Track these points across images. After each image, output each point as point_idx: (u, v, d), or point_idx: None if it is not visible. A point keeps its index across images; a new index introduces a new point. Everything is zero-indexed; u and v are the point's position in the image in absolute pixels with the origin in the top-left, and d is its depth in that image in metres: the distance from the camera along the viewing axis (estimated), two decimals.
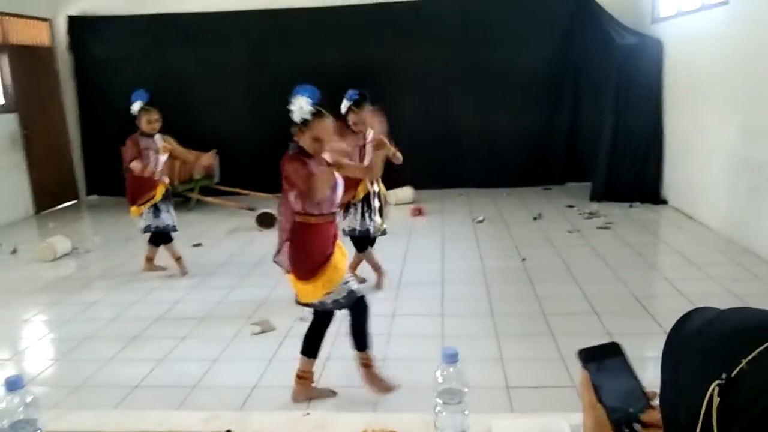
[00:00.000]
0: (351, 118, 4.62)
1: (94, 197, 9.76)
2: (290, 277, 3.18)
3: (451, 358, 1.25)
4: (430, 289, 4.93)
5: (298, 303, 3.26)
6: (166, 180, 5.64)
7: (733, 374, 0.62)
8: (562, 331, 3.98)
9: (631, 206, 7.47)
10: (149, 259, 5.76)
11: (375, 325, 4.23)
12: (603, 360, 0.89)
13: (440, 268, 5.49)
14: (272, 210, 6.72)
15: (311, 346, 3.32)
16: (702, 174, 6.50)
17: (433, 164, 8.88)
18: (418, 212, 7.66)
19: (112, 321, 4.61)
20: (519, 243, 6.11)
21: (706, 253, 5.55)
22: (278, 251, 3.16)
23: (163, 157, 5.54)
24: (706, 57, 6.30)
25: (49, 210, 8.95)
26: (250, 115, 8.95)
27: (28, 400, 1.28)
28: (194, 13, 9.05)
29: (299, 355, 3.33)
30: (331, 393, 3.36)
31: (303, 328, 4.25)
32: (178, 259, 5.64)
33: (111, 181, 9.24)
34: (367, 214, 4.78)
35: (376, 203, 4.80)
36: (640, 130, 7.59)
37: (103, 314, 4.77)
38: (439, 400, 1.24)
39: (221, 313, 4.67)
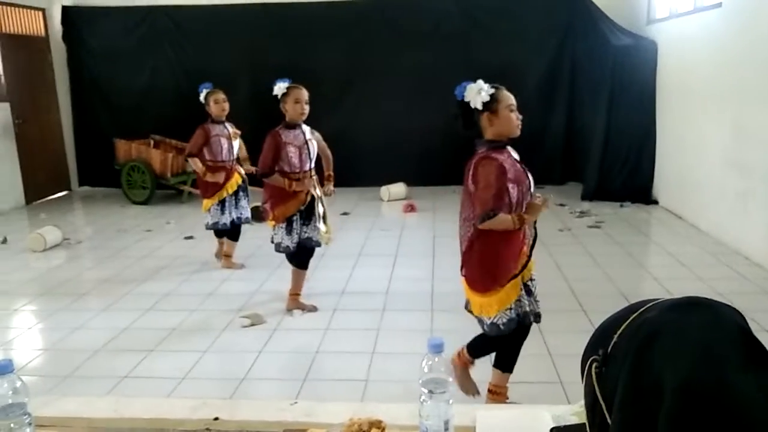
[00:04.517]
0: (290, 99, 4.17)
1: (86, 188, 9.74)
2: (464, 286, 2.98)
3: (437, 348, 1.26)
4: (421, 285, 4.95)
5: (468, 310, 3.03)
6: (242, 170, 5.50)
7: (608, 349, 0.73)
8: (550, 327, 3.99)
9: (622, 206, 7.52)
10: (227, 256, 5.59)
11: (365, 319, 4.28)
12: None
13: (431, 263, 5.51)
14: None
15: (480, 352, 3.10)
16: (693, 175, 6.55)
17: (427, 161, 8.90)
18: (411, 208, 7.68)
19: (102, 312, 4.61)
20: None
21: (695, 253, 5.60)
22: (463, 265, 2.95)
23: (236, 143, 5.45)
24: (699, 59, 6.35)
25: (40, 200, 8.91)
26: (245, 109, 8.92)
27: (17, 384, 1.29)
28: (190, 5, 9.05)
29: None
30: (476, 387, 3.13)
31: (292, 321, 4.32)
32: (227, 256, 5.58)
33: (103, 172, 9.24)
34: (310, 223, 4.36)
35: (320, 209, 4.36)
36: (632, 131, 7.64)
37: (93, 305, 4.77)
38: (424, 389, 1.25)
39: (211, 306, 4.68)
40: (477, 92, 2.78)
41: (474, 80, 2.86)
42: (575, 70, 8.64)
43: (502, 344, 3.01)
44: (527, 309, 2.90)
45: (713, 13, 6.00)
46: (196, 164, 5.29)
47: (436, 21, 8.73)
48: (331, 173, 4.54)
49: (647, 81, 7.51)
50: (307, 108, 4.23)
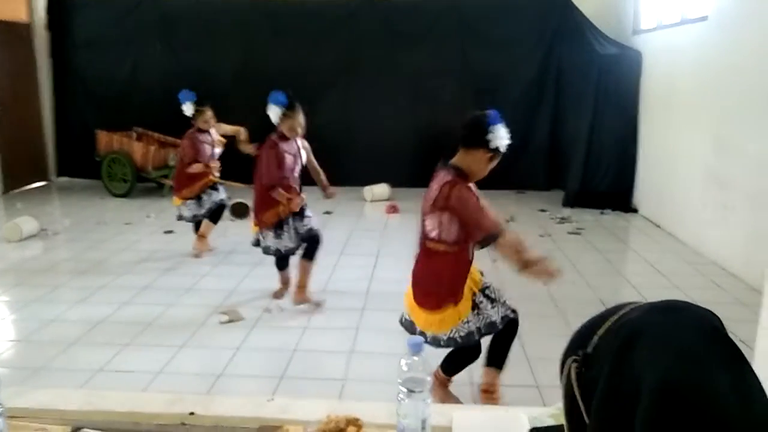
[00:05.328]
0: (285, 125, 4.22)
1: (65, 179, 9.61)
2: (410, 303, 2.96)
3: (416, 347, 1.27)
4: (401, 285, 4.93)
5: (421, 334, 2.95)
6: (217, 174, 5.68)
7: (588, 350, 0.74)
8: (528, 332, 4.01)
9: (602, 213, 7.59)
10: (202, 236, 5.72)
11: (345, 318, 4.27)
12: None
13: (412, 265, 5.50)
14: (245, 200, 6.69)
15: (452, 368, 3.09)
16: (673, 185, 6.63)
17: (411, 163, 8.91)
18: (393, 209, 7.69)
19: (78, 304, 4.55)
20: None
21: (673, 262, 5.67)
22: (413, 283, 2.96)
23: (218, 150, 5.64)
24: (683, 71, 6.42)
25: (18, 190, 8.78)
26: (230, 104, 8.88)
27: None
28: None
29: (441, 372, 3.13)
30: (457, 400, 3.15)
31: (271, 319, 4.29)
32: (201, 236, 5.71)
33: (83, 163, 9.13)
34: (303, 219, 4.45)
35: (308, 213, 4.48)
36: (615, 139, 7.71)
37: (69, 297, 4.71)
38: (402, 388, 1.25)
39: (190, 301, 4.64)
40: (501, 137, 2.75)
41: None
42: (561, 78, 8.70)
43: (472, 354, 3.00)
44: (492, 319, 2.88)
45: (699, 26, 6.08)
46: (200, 168, 5.45)
47: (427, 24, 8.74)
48: (326, 184, 4.62)
49: (631, 91, 7.59)
50: (301, 131, 4.31)
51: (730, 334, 0.72)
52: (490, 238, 2.68)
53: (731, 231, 5.37)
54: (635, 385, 0.66)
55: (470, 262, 2.89)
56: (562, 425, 0.87)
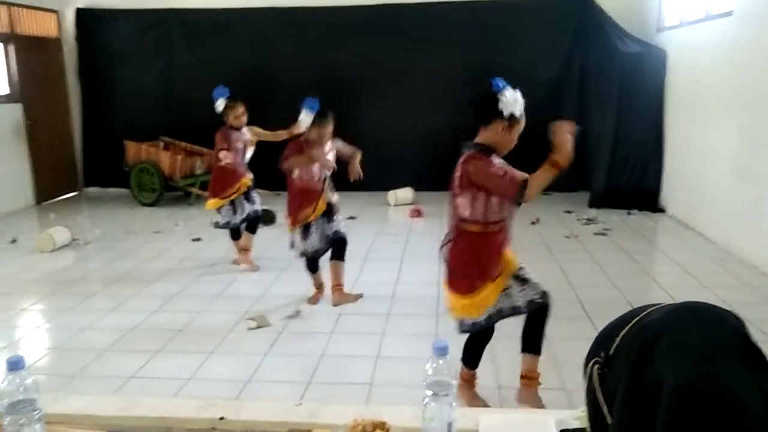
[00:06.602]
0: (315, 133, 4.32)
1: (95, 189, 9.80)
2: (444, 287, 2.99)
3: (441, 350, 1.28)
4: (426, 289, 4.96)
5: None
6: (250, 175, 5.56)
7: (611, 351, 0.76)
8: (555, 334, 3.98)
9: (629, 213, 7.50)
10: (245, 250, 5.59)
11: (370, 323, 4.29)
12: None
13: (437, 268, 5.50)
14: (272, 207, 6.76)
15: (471, 357, 3.09)
16: (701, 184, 6.53)
17: (434, 166, 8.89)
18: (417, 213, 7.70)
19: (110, 312, 4.64)
20: (516, 247, 6.08)
21: (702, 262, 5.58)
22: (443, 245, 2.99)
23: (251, 150, 5.54)
24: (709, 67, 6.34)
25: (50, 201, 8.98)
26: (252, 113, 8.98)
27: (28, 381, 1.31)
28: (201, 9, 9.12)
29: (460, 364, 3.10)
30: (485, 403, 3.12)
31: (298, 324, 4.33)
32: (244, 250, 5.60)
33: (112, 173, 9.30)
34: (332, 221, 4.56)
35: (337, 217, 4.60)
36: (641, 138, 7.63)
37: (101, 305, 4.80)
38: (428, 392, 1.27)
39: (218, 308, 4.70)
40: (514, 101, 2.73)
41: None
42: (584, 77, 8.64)
43: (486, 336, 3.03)
44: (517, 303, 2.90)
45: (723, 21, 6.00)
46: (228, 157, 5.30)
47: (445, 27, 8.74)
48: (355, 166, 4.60)
49: (656, 89, 7.50)
50: (327, 140, 4.40)
51: (762, 334, 0.72)
52: (518, 198, 2.71)
53: (761, 228, 5.28)
54: (656, 386, 0.67)
55: (503, 244, 2.91)
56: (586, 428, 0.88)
